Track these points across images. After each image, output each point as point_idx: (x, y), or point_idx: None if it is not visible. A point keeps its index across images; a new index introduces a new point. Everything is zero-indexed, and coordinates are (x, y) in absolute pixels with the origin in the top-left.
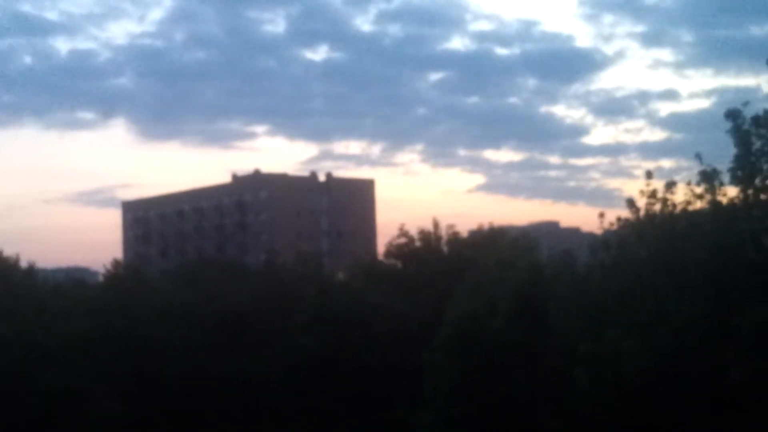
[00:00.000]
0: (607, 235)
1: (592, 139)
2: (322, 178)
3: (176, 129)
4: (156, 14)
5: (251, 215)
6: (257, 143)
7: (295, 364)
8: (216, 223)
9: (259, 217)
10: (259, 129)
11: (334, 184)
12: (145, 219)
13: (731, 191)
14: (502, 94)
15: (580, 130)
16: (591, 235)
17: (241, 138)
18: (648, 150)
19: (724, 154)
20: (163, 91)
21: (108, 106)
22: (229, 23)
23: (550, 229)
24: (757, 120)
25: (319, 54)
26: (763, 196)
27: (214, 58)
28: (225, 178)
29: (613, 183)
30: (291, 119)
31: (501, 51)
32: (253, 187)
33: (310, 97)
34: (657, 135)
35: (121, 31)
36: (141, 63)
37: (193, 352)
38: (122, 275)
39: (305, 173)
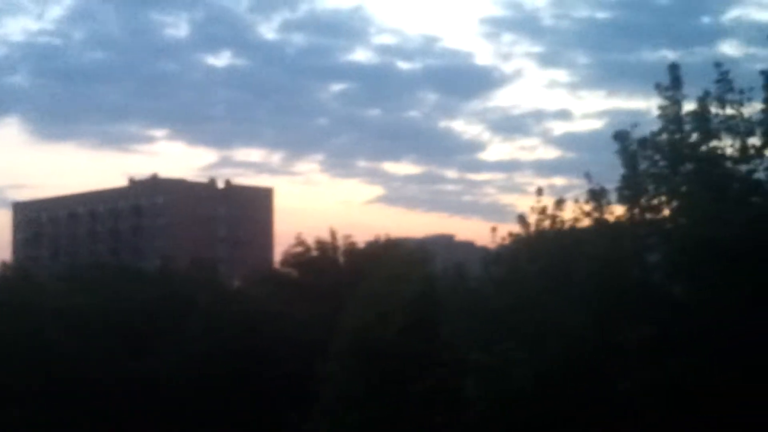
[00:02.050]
0: (500, 249)
1: (488, 155)
2: (220, 184)
3: (72, 130)
4: (55, 12)
5: (147, 220)
6: (156, 147)
7: (188, 371)
8: (110, 227)
9: (156, 222)
10: (159, 133)
11: (232, 191)
12: (37, 221)
13: (618, 210)
14: (403, 108)
15: (477, 146)
16: (484, 249)
17: (140, 142)
18: (542, 167)
19: (613, 173)
20: (59, 91)
21: (1, 104)
22: (131, 25)
23: (445, 242)
24: (643, 142)
25: (221, 60)
26: (647, 215)
27: (114, 59)
28: (121, 182)
29: (507, 198)
30: (191, 124)
31: (403, 65)
32: (149, 192)
33: (212, 103)
34: (551, 153)
35: (17, 28)
36: (38, 61)
37: (85, 356)
38: (10, 277)
39: (204, 179)
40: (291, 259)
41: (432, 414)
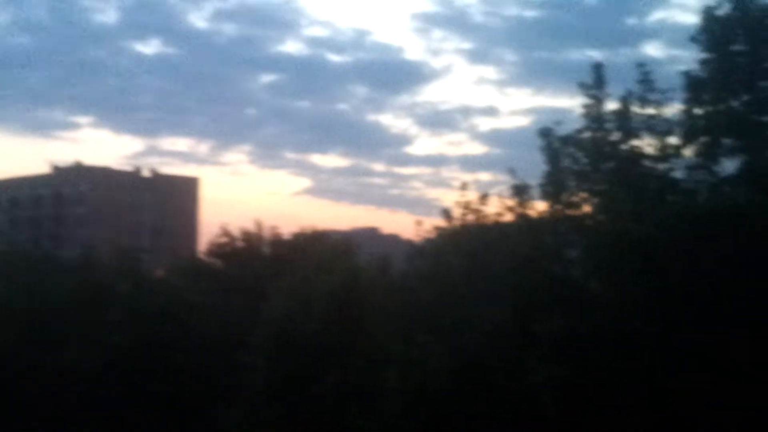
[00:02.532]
0: (424, 243)
1: (416, 150)
2: (146, 173)
3: None
4: None
5: (70, 208)
6: (81, 134)
7: (108, 360)
8: (31, 215)
9: (78, 210)
10: (84, 120)
11: (158, 180)
12: None
13: (540, 205)
14: (333, 100)
15: (405, 140)
16: (410, 243)
17: (64, 128)
18: (468, 163)
19: (537, 170)
20: None
21: None
22: (58, 9)
23: (371, 234)
24: (566, 140)
25: (150, 48)
26: (569, 212)
27: (40, 44)
28: (44, 169)
29: (433, 193)
30: (118, 112)
31: (333, 58)
32: (73, 180)
33: (139, 91)
34: (477, 149)
35: None
36: None
37: (2, 346)
38: None
39: (129, 168)
40: (215, 250)
41: (352, 405)
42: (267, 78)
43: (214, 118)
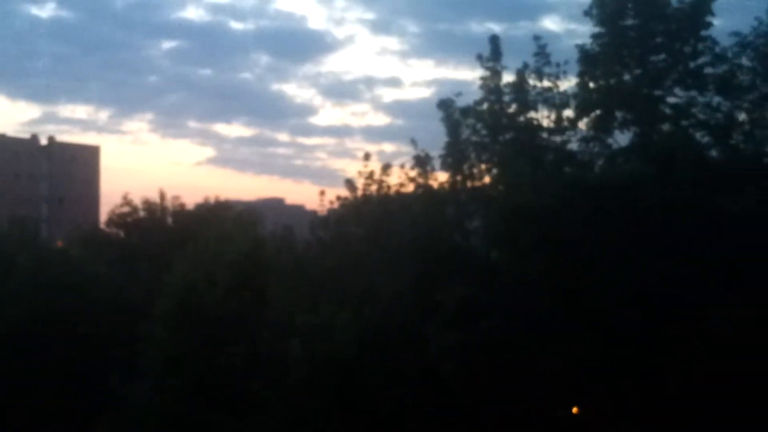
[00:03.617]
0: (328, 213)
1: (319, 120)
2: (43, 141)
3: None
4: None
5: None
6: None
7: (7, 332)
8: None
9: None
10: None
11: (56, 148)
12: None
13: (442, 176)
14: (235, 69)
15: (309, 110)
16: (314, 213)
17: None
18: (372, 134)
19: (439, 141)
20: None
21: None
22: None
23: (276, 205)
24: (465, 111)
25: (45, 11)
26: (469, 183)
27: None
28: None
29: (338, 163)
30: (12, 77)
31: (236, 25)
32: None
33: (35, 56)
34: (381, 120)
35: None
36: None
37: None
38: None
39: (26, 135)
40: (117, 220)
41: (257, 376)
42: (168, 44)
43: (114, 85)
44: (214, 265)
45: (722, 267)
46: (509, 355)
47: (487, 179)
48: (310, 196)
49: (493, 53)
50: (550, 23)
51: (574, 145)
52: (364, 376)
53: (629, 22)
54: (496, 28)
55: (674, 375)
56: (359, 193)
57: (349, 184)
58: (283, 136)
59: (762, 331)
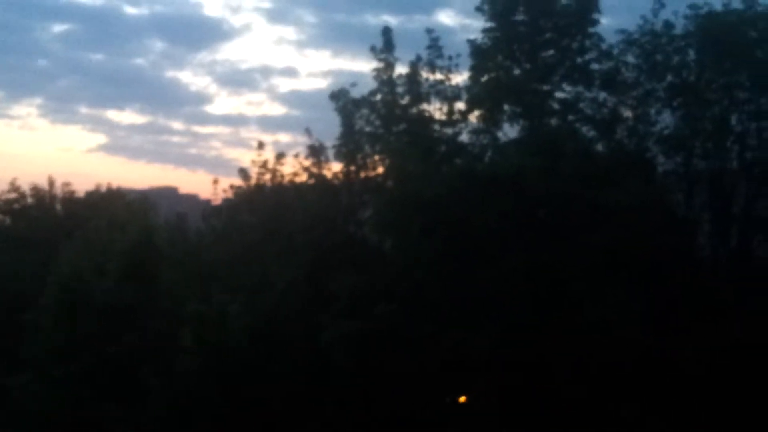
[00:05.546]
0: (222, 202)
1: (215, 109)
2: None
3: None
4: None
5: None
6: None
7: None
8: None
9: None
10: None
11: None
12: None
13: (336, 166)
14: (129, 54)
15: (204, 99)
16: (208, 202)
17: None
18: (268, 123)
19: (336, 131)
20: None
21: None
22: None
23: (169, 194)
24: (359, 102)
25: None
26: (362, 173)
27: None
28: None
29: (233, 153)
30: None
31: (130, 10)
32: None
33: None
34: (277, 110)
35: None
36: None
37: None
38: None
39: None
40: (3, 206)
41: (148, 365)
42: (59, 27)
43: (2, 68)
44: (103, 254)
45: (606, 257)
46: (401, 342)
47: (380, 169)
48: (205, 185)
49: (386, 45)
50: (445, 17)
51: (465, 137)
52: (256, 366)
53: (519, 17)
54: (392, 20)
55: (560, 362)
56: (253, 182)
57: (243, 173)
58: (177, 125)
59: (642, 319)
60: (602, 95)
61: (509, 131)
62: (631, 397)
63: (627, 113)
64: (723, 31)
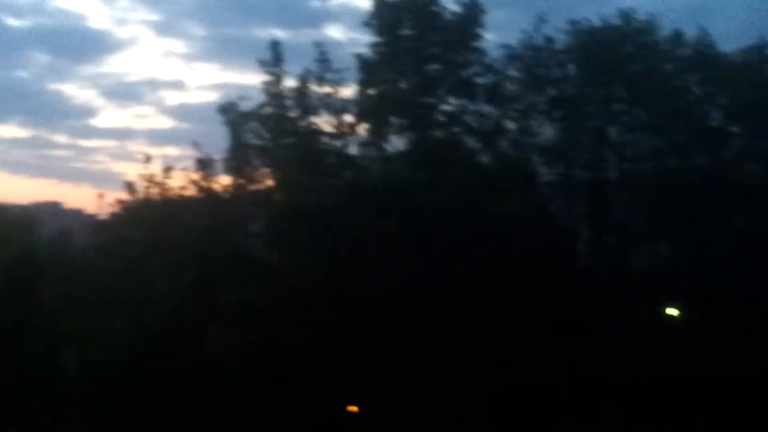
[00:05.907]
0: (107, 216)
1: (100, 122)
2: None
3: None
4: None
5: None
6: None
7: None
8: None
9: None
10: None
11: None
12: None
13: (224, 180)
14: (11, 67)
15: (89, 112)
16: (94, 217)
17: None
18: (155, 137)
19: (225, 145)
20: None
21: None
22: None
23: (53, 209)
24: (247, 115)
25: None
26: (251, 186)
27: None
28: None
29: (119, 167)
30: None
31: (12, 21)
32: None
33: None
34: (165, 123)
35: None
36: None
37: None
38: None
39: None
40: None
41: (30, 385)
42: None
43: None
44: None
45: (491, 266)
46: (289, 353)
47: (268, 182)
48: (90, 200)
49: (274, 59)
50: (335, 31)
51: (353, 150)
52: (143, 381)
53: (405, 32)
54: (281, 34)
55: (456, 371)
56: (140, 196)
57: (130, 187)
58: (61, 138)
59: (528, 324)
60: (486, 108)
61: (396, 143)
62: (539, 402)
63: (510, 125)
64: (601, 46)
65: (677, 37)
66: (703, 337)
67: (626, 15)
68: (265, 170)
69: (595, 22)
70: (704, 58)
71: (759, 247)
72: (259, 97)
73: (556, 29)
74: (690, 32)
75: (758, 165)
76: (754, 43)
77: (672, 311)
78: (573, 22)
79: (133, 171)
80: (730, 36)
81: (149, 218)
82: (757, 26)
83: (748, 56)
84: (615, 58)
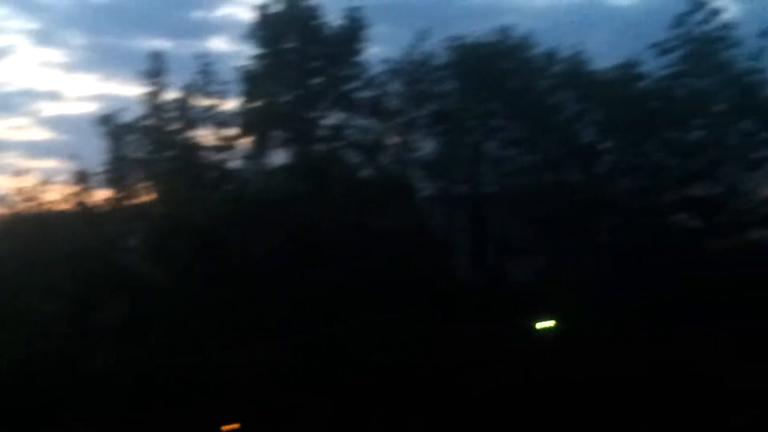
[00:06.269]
0: None
1: None
2: None
3: None
4: None
5: None
6: None
7: None
8: None
9: None
10: None
11: None
12: None
13: (103, 193)
14: None
15: None
16: None
17: None
18: (32, 149)
19: (105, 157)
20: None
21: None
22: None
23: None
24: (127, 128)
25: None
26: (130, 200)
27: None
28: None
29: None
30: None
31: None
32: None
33: None
34: (42, 134)
35: None
36: None
37: None
38: None
39: None
40: None
41: None
42: None
43: None
44: None
45: (370, 278)
46: (169, 370)
47: (148, 196)
48: None
49: (155, 70)
50: (219, 43)
51: (235, 163)
52: (22, 404)
53: (288, 45)
54: (164, 45)
55: (332, 381)
56: (14, 211)
57: (3, 201)
58: None
59: (404, 335)
60: (368, 122)
61: (279, 157)
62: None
63: (391, 140)
64: (479, 62)
65: (552, 54)
66: (574, 347)
67: (504, 32)
68: (146, 184)
69: (475, 38)
70: (578, 75)
71: (628, 260)
72: (140, 109)
73: (438, 45)
74: (565, 50)
75: (628, 180)
76: (625, 61)
77: (546, 323)
78: (453, 38)
79: (6, 185)
80: (603, 54)
81: (23, 234)
82: (627, 45)
83: (619, 74)
84: (493, 74)
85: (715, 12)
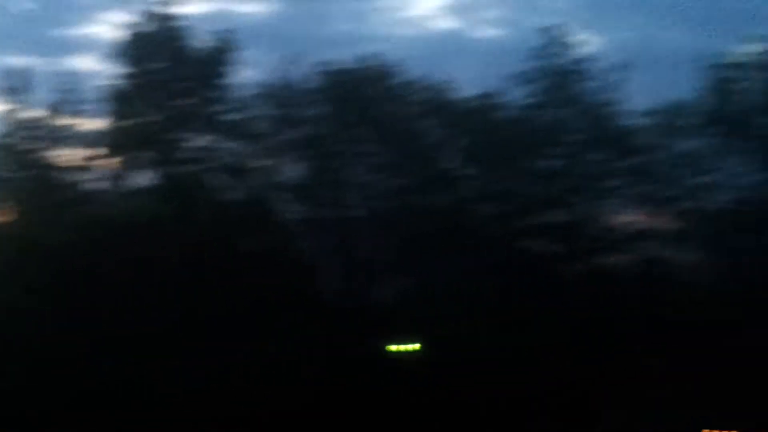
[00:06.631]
0: None
1: None
2: None
3: None
4: None
5: None
6: None
7: None
8: None
9: None
10: None
11: None
12: None
13: None
14: None
15: None
16: None
17: None
18: None
19: None
20: None
21: None
22: None
23: None
24: None
25: None
26: None
27: None
28: None
29: None
30: None
31: None
32: None
33: None
34: None
35: None
36: None
37: None
38: None
39: None
40: None
41: None
42: None
43: None
44: None
45: (236, 301)
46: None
47: (5, 218)
48: None
49: (15, 87)
50: (86, 61)
51: (97, 184)
52: None
53: (155, 65)
54: (27, 62)
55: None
56: None
57: None
58: None
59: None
60: (235, 145)
61: (143, 178)
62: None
63: (259, 163)
64: (346, 88)
65: (418, 82)
66: (437, 369)
67: (371, 59)
68: (2, 204)
69: (342, 65)
70: (442, 103)
71: (489, 282)
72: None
73: (307, 70)
74: (431, 79)
75: (489, 205)
76: (487, 91)
77: (410, 345)
78: (321, 64)
79: None
80: (467, 83)
81: None
82: (490, 75)
83: (481, 103)
84: (359, 100)
85: (571, 46)
